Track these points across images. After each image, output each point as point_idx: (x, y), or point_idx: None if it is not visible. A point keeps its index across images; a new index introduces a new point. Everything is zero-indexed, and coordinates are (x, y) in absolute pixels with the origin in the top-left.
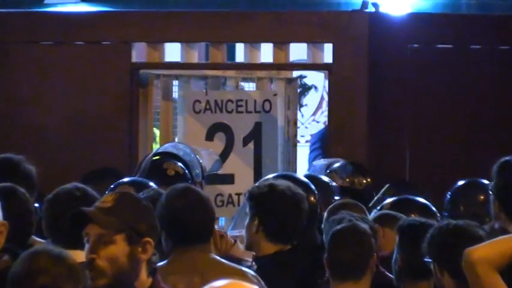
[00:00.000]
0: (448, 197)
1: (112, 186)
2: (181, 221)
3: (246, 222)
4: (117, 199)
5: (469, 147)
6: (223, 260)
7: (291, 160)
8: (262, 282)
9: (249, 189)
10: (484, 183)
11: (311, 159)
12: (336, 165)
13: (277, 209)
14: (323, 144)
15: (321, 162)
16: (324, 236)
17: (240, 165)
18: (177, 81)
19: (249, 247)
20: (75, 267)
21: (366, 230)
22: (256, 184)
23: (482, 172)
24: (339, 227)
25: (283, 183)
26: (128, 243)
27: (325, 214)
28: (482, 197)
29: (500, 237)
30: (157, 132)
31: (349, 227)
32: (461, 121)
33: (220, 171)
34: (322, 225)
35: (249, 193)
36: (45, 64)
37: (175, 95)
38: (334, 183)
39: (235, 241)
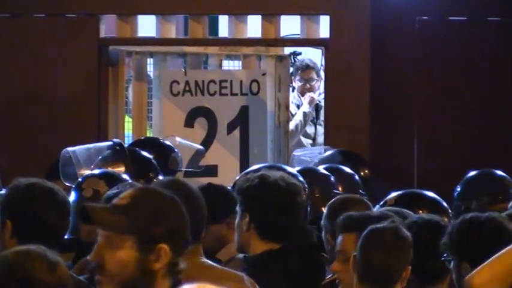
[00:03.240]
0: (458, 189)
1: (80, 180)
2: None
3: (236, 220)
4: (137, 195)
5: (484, 131)
6: (214, 264)
7: (282, 149)
8: (257, 287)
9: (236, 181)
10: (499, 175)
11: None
12: (325, 154)
13: (270, 204)
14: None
15: (301, 152)
16: (323, 233)
17: (224, 155)
18: (151, 59)
19: (240, 248)
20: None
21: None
22: (244, 176)
23: (499, 161)
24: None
25: (275, 173)
26: (137, 248)
27: (325, 210)
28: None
29: (496, 256)
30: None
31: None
32: (475, 102)
33: (201, 162)
34: (322, 222)
35: (237, 186)
36: (1, 39)
37: (150, 75)
38: (332, 176)
39: None
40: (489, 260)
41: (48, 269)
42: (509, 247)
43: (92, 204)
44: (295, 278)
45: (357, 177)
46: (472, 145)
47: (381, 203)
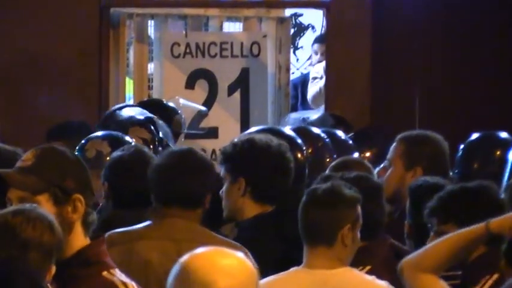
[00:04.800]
0: (460, 152)
1: (83, 141)
2: (158, 180)
3: (224, 188)
4: (39, 155)
5: (489, 97)
6: (208, 231)
7: (282, 111)
8: (250, 255)
9: (222, 149)
10: (502, 137)
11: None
12: (314, 117)
13: (264, 165)
14: (301, 92)
15: (296, 114)
16: None
17: (224, 117)
18: (152, 21)
19: (232, 215)
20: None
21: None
22: (230, 143)
23: (502, 124)
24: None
25: (261, 136)
26: (53, 203)
27: (328, 172)
28: (499, 153)
29: (432, 243)
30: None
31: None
32: (482, 67)
33: (202, 124)
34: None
35: (225, 154)
36: (3, 1)
37: (150, 37)
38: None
39: None
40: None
41: (48, 228)
42: (446, 236)
43: (3, 169)
44: (289, 240)
45: (350, 141)
46: (476, 106)
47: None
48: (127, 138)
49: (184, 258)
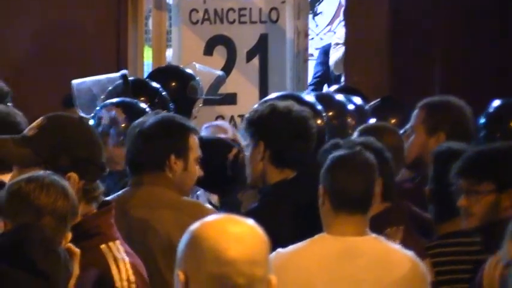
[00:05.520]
0: (482, 121)
1: (98, 108)
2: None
3: (248, 153)
4: (42, 127)
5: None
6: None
7: (301, 77)
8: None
9: (246, 116)
10: None
11: (312, 79)
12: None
13: (283, 129)
14: (325, 61)
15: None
16: None
17: (243, 83)
18: None
19: (254, 180)
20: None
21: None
22: (253, 108)
23: None
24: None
25: (283, 102)
26: None
27: (354, 137)
28: None
29: None
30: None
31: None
32: (503, 38)
33: (221, 91)
34: None
35: (248, 120)
36: None
37: (169, 3)
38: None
39: None
40: None
41: (62, 194)
42: None
43: (2, 136)
44: (309, 206)
45: (367, 108)
46: (497, 78)
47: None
48: (141, 104)
49: (195, 226)
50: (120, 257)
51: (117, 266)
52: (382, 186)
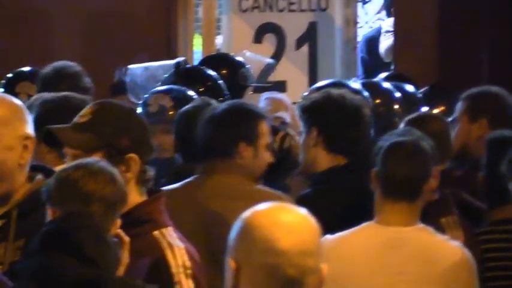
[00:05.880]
0: None
1: (146, 96)
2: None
3: (302, 139)
4: (96, 112)
5: None
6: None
7: (350, 65)
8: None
9: (300, 103)
10: None
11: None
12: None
13: (336, 115)
14: (368, 50)
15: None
16: None
17: (292, 70)
18: None
19: (307, 167)
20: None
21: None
22: (306, 95)
23: None
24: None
25: (337, 90)
26: (107, 161)
27: (403, 124)
28: None
29: None
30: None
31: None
32: None
33: (270, 78)
34: None
35: (301, 106)
36: None
37: None
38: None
39: None
40: None
41: (111, 181)
42: None
43: (56, 126)
44: (360, 194)
45: (419, 95)
46: None
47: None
48: (190, 92)
49: (247, 214)
50: (175, 243)
51: (172, 252)
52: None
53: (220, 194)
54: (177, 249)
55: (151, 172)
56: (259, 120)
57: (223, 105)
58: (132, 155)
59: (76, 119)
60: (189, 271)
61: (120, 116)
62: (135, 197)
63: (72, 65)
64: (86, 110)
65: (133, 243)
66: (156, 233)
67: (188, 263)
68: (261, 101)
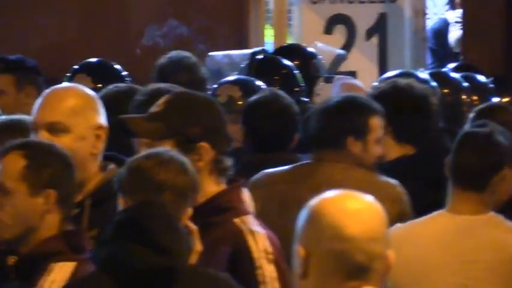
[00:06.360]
0: None
1: (214, 87)
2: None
3: None
4: (169, 101)
5: None
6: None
7: (419, 56)
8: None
9: (368, 92)
10: None
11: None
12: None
13: (405, 105)
14: (437, 41)
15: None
16: None
17: (362, 61)
18: None
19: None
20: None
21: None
22: (375, 85)
23: None
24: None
25: (405, 79)
26: (178, 150)
27: (472, 115)
28: None
29: None
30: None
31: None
32: None
33: (341, 69)
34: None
35: (370, 96)
36: None
37: None
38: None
39: None
40: None
41: (182, 170)
42: None
43: (129, 115)
44: (429, 183)
45: (490, 85)
46: None
47: None
48: (258, 82)
49: (315, 202)
50: (255, 229)
51: (254, 237)
52: None
53: (332, 182)
54: (258, 235)
55: (228, 162)
56: (371, 115)
57: (337, 97)
58: (204, 143)
59: (152, 109)
60: (270, 256)
61: (193, 105)
62: (212, 186)
63: (189, 56)
64: (161, 100)
65: (214, 232)
66: (236, 220)
67: (269, 249)
68: (335, 86)
